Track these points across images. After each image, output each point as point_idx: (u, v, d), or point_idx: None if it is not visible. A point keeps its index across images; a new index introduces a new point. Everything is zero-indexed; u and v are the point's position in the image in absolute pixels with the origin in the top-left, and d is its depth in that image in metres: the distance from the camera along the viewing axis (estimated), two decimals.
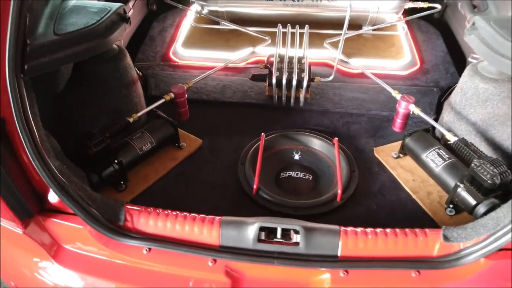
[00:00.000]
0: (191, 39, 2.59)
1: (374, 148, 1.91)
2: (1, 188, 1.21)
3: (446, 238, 1.31)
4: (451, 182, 1.60)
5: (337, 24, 2.53)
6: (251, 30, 2.44)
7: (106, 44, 1.47)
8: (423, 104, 2.12)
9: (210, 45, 2.52)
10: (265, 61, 2.14)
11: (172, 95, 1.79)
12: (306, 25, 2.14)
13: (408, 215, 1.64)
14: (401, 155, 1.84)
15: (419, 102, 2.09)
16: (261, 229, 1.33)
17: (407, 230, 1.37)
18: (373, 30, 2.52)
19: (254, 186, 1.65)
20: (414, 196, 1.69)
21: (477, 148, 1.60)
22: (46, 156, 1.24)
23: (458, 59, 2.46)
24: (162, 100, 1.78)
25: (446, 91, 2.23)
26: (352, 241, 1.34)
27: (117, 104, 1.78)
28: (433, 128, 1.84)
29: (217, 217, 1.38)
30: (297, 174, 1.82)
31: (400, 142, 1.90)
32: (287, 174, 1.82)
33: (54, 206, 1.36)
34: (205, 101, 2.15)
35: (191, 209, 1.46)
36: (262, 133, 1.88)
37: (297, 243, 1.33)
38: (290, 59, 2.07)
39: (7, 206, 1.26)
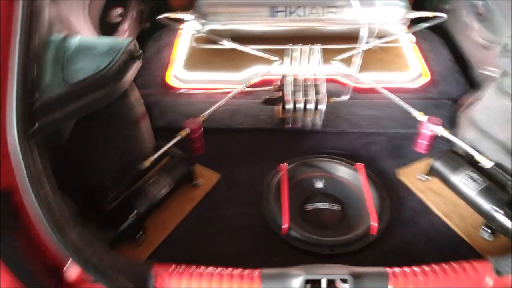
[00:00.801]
0: (191, 60, 2.46)
1: (397, 170, 1.84)
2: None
3: (498, 272, 1.25)
4: (488, 207, 1.54)
5: (342, 37, 2.46)
6: (257, 48, 2.33)
7: (120, 88, 1.33)
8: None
9: (213, 66, 2.40)
10: (278, 83, 2.04)
11: (188, 130, 1.67)
12: (319, 44, 2.05)
13: (446, 243, 1.57)
14: (429, 178, 1.77)
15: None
16: (307, 281, 1.24)
17: (455, 265, 1.29)
18: (382, 42, 2.45)
19: (284, 226, 1.55)
20: (448, 222, 1.63)
21: None
22: (66, 227, 1.10)
23: (464, 68, 2.42)
24: (178, 138, 1.65)
25: (459, 103, 2.18)
26: (402, 284, 1.25)
27: (126, 144, 1.64)
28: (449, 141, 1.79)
29: (256, 271, 1.27)
30: (324, 205, 1.72)
31: (423, 161, 1.84)
32: (313, 206, 1.72)
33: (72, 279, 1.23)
34: (216, 129, 2.02)
35: (217, 257, 1.36)
36: (284, 164, 1.78)
37: None
38: (304, 81, 1.98)
39: None
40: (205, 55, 2.47)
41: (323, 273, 1.24)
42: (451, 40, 2.61)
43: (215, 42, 2.48)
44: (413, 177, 1.80)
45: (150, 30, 2.69)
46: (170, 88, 2.31)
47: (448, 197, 1.70)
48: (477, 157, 1.61)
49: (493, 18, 2.18)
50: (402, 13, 2.39)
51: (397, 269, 1.29)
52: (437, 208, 1.67)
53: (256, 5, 2.41)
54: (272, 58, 2.19)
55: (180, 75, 2.37)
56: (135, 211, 1.48)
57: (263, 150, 1.95)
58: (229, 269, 1.27)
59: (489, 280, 1.26)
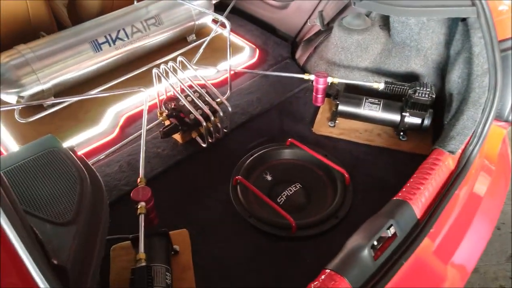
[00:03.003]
0: (29, 138, 1.88)
1: (311, 129, 2.00)
2: None
3: (452, 152, 1.60)
4: (395, 117, 1.89)
5: (171, 43, 2.39)
6: (104, 89, 1.99)
7: None
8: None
9: (61, 133, 1.90)
10: (165, 110, 1.83)
11: (143, 204, 1.34)
12: (180, 57, 1.93)
13: (387, 159, 1.85)
14: (337, 121, 2.01)
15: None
16: (372, 247, 1.27)
17: (425, 165, 1.58)
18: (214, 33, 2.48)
19: (293, 224, 1.51)
20: (374, 144, 1.91)
21: (399, 82, 1.91)
22: None
23: (270, 31, 2.75)
24: (143, 217, 1.32)
25: (293, 58, 2.48)
26: (417, 198, 1.44)
27: None
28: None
29: (327, 270, 1.22)
30: (289, 191, 1.73)
31: (321, 111, 2.07)
32: (283, 196, 1.71)
33: None
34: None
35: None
36: (236, 177, 1.68)
37: (395, 235, 1.35)
38: (192, 91, 1.86)
39: None
40: (43, 125, 1.93)
41: (376, 233, 1.31)
42: (247, 15, 2.88)
43: (42, 106, 1.98)
44: (326, 126, 2.00)
45: None
46: None
47: (360, 127, 1.97)
48: (369, 85, 1.93)
49: None
50: (209, 3, 2.47)
51: (400, 194, 1.48)
52: (361, 139, 1.94)
53: (73, 45, 2.03)
54: (135, 89, 1.92)
55: None
56: None
57: (199, 180, 1.77)
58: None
59: (450, 161, 1.60)
